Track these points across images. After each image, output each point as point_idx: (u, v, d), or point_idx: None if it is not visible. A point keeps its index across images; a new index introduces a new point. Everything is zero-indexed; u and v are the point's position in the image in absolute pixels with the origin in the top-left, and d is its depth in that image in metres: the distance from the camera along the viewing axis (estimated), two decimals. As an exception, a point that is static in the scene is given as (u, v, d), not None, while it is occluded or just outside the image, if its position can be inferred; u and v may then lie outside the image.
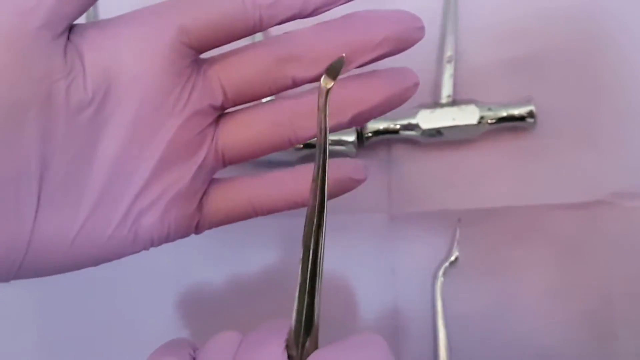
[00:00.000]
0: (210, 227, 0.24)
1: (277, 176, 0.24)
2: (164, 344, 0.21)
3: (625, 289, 0.30)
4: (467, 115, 0.29)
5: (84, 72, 0.19)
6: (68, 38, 0.20)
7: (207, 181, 0.23)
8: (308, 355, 0.19)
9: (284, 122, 0.23)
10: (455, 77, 0.30)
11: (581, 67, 0.30)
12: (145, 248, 0.22)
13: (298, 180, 0.23)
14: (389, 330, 0.31)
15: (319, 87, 0.19)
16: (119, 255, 0.21)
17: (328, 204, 0.20)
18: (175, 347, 0.21)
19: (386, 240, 0.31)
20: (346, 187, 0.24)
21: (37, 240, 0.19)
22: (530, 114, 0.29)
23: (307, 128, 0.23)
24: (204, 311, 0.31)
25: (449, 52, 0.30)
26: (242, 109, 0.23)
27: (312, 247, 0.20)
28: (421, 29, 0.22)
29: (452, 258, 0.30)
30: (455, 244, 0.30)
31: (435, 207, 0.31)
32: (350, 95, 0.22)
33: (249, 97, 0.23)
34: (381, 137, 0.30)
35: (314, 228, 0.20)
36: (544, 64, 0.30)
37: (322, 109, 0.19)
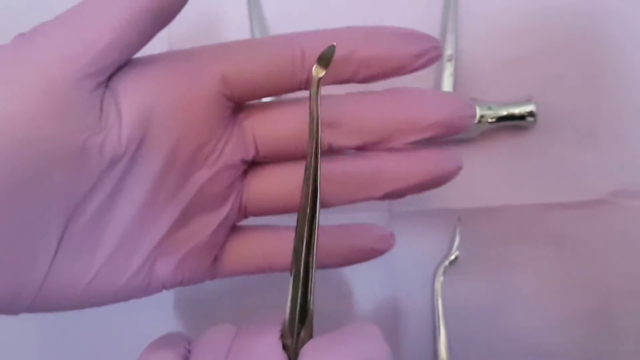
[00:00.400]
0: (224, 277, 0.23)
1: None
2: (159, 338, 0.21)
3: (625, 287, 0.30)
4: (467, 114, 0.29)
5: (119, 123, 0.18)
6: (107, 84, 0.19)
7: (227, 234, 0.23)
8: (303, 344, 0.19)
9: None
10: (456, 75, 0.30)
11: (581, 66, 0.30)
12: (156, 292, 0.22)
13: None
14: (389, 328, 0.31)
15: (311, 76, 0.20)
16: (127, 299, 0.21)
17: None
18: (170, 340, 0.21)
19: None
20: (366, 256, 0.23)
21: (48, 286, 0.19)
22: (531, 113, 0.29)
23: (337, 195, 0.22)
24: (201, 308, 0.31)
25: (449, 51, 0.30)
26: (271, 164, 0.22)
27: (305, 236, 0.20)
28: (473, 117, 0.22)
29: (453, 257, 0.30)
30: (456, 243, 0.30)
31: (435, 206, 0.31)
32: (387, 170, 0.21)
33: (281, 157, 0.22)
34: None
35: (307, 217, 0.20)
36: (544, 62, 0.30)
37: (314, 98, 0.19)
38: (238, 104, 0.21)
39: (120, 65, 0.19)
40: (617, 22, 0.30)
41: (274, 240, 0.23)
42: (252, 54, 0.20)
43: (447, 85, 0.30)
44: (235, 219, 0.22)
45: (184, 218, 0.21)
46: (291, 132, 0.21)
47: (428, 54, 0.21)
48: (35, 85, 0.17)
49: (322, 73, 0.19)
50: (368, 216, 0.31)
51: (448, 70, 0.30)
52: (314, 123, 0.20)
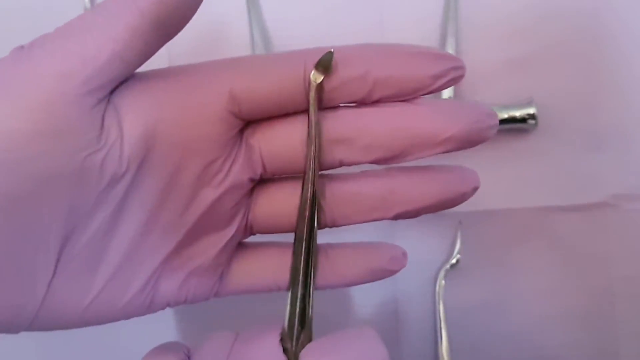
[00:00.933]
0: (230, 295, 0.22)
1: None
2: (158, 346, 0.21)
3: (626, 290, 0.30)
4: (468, 117, 0.29)
5: (121, 141, 0.18)
6: (109, 99, 0.18)
7: (233, 252, 0.22)
8: (303, 347, 0.19)
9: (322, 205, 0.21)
10: (456, 78, 0.30)
11: (582, 69, 0.30)
12: (159, 310, 0.21)
13: (329, 261, 0.22)
14: (390, 332, 0.31)
15: (309, 81, 0.19)
16: (129, 317, 0.20)
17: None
18: (170, 346, 0.20)
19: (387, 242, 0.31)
20: (376, 276, 0.22)
21: (48, 306, 0.18)
22: (532, 116, 0.29)
23: (347, 216, 0.21)
24: (200, 317, 0.31)
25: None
26: (278, 181, 0.22)
27: (305, 237, 0.20)
28: (494, 127, 0.20)
29: (454, 260, 0.30)
30: (457, 246, 0.30)
31: (436, 209, 0.31)
32: (399, 191, 0.20)
33: (288, 172, 0.21)
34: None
35: (306, 220, 0.20)
36: (545, 65, 0.30)
37: (313, 103, 0.19)
38: (246, 121, 0.20)
39: (122, 80, 0.18)
40: (619, 24, 0.30)
41: (281, 258, 0.22)
42: (261, 71, 0.19)
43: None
44: (241, 237, 0.22)
45: (189, 238, 0.20)
46: (298, 147, 0.20)
47: (448, 75, 0.20)
48: (33, 102, 0.16)
49: (320, 78, 0.19)
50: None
51: (448, 73, 0.30)
52: (312, 128, 0.20)
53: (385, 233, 0.31)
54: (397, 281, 0.31)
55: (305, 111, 0.20)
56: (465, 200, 0.21)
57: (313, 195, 0.20)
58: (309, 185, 0.20)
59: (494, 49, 0.30)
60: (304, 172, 0.20)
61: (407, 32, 0.31)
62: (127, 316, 0.20)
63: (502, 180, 0.30)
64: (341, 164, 0.21)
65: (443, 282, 0.30)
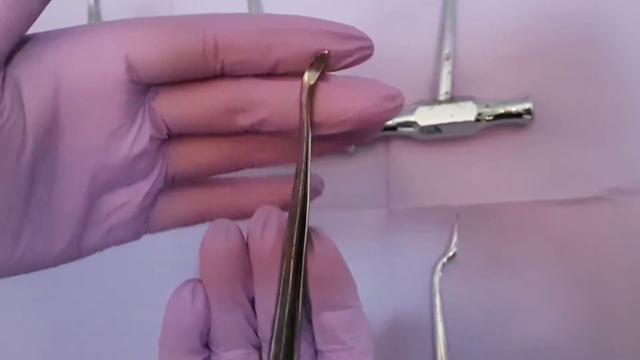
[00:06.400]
0: (157, 232, 0.23)
1: (228, 190, 0.23)
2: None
3: (623, 284, 0.30)
4: (465, 112, 0.30)
5: (23, 113, 0.18)
6: (5, 70, 0.18)
7: (154, 201, 0.23)
8: (292, 351, 0.20)
9: (240, 154, 0.22)
10: (453, 74, 0.30)
11: (578, 64, 0.30)
12: (89, 255, 0.22)
13: (249, 195, 0.23)
14: (388, 325, 0.31)
15: (301, 83, 0.19)
16: (59, 265, 0.21)
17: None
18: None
19: (385, 236, 0.31)
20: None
21: None
22: (528, 111, 0.29)
23: (264, 160, 0.22)
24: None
25: (447, 50, 0.31)
26: (190, 137, 0.22)
27: (295, 242, 0.19)
28: (394, 110, 0.20)
29: (450, 253, 0.30)
30: (454, 240, 0.31)
31: (433, 203, 0.31)
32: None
33: (196, 134, 0.21)
34: (379, 133, 0.31)
35: (297, 222, 0.20)
36: (541, 61, 0.30)
37: (305, 106, 0.19)
38: (149, 85, 0.20)
39: (14, 49, 0.18)
40: (614, 20, 0.30)
41: (206, 197, 0.23)
42: (158, 38, 0.19)
43: (445, 83, 0.30)
44: (162, 186, 0.22)
45: (107, 194, 0.21)
46: (201, 116, 0.20)
47: (354, 55, 0.20)
48: None
49: (313, 79, 0.19)
50: (367, 213, 0.32)
51: (446, 69, 0.30)
52: (304, 131, 0.19)
53: (382, 227, 0.31)
54: (395, 273, 0.31)
55: (209, 78, 0.20)
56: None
57: (304, 198, 0.20)
58: (300, 188, 0.20)
59: (491, 44, 0.31)
60: (295, 175, 0.20)
61: (405, 28, 0.31)
62: (57, 265, 0.21)
63: (498, 174, 0.31)
64: (246, 132, 0.21)
65: (440, 275, 0.30)
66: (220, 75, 0.20)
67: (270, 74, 0.20)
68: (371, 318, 0.31)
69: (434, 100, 0.30)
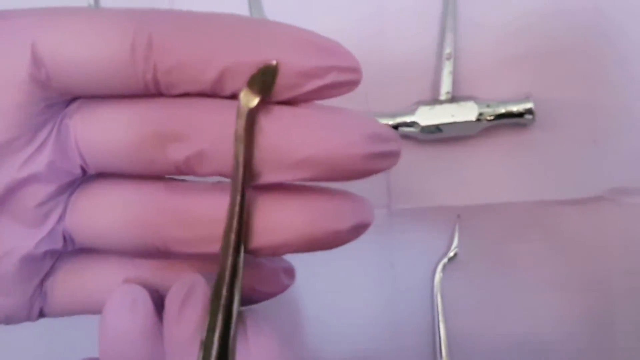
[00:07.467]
0: (56, 317, 0.18)
1: (157, 272, 0.17)
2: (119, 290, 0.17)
3: (625, 284, 0.30)
4: (466, 112, 0.29)
5: None
6: None
7: (50, 268, 0.17)
8: None
9: (152, 222, 0.16)
10: (455, 73, 0.30)
11: (580, 64, 0.30)
12: None
13: (176, 265, 0.17)
14: (388, 325, 0.31)
15: (237, 106, 0.14)
16: None
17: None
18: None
19: (385, 236, 0.31)
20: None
21: None
22: (529, 111, 0.29)
23: (183, 241, 0.16)
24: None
25: (448, 49, 0.30)
26: (107, 180, 0.17)
27: (227, 278, 0.15)
28: (389, 156, 0.15)
29: (451, 254, 0.30)
30: (455, 240, 0.31)
31: (434, 203, 0.31)
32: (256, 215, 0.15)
33: (116, 171, 0.16)
34: (380, 133, 0.31)
35: (218, 325, 0.15)
36: (542, 60, 0.30)
37: (240, 138, 0.14)
38: (63, 97, 0.16)
39: None
40: (615, 20, 0.30)
41: (125, 274, 0.17)
42: (77, 28, 0.14)
43: (446, 83, 0.30)
44: (59, 247, 0.17)
45: None
46: (125, 146, 0.15)
47: (327, 76, 0.14)
48: None
49: (254, 102, 0.14)
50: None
51: (447, 69, 0.30)
52: (238, 170, 0.14)
53: (383, 227, 0.31)
54: (395, 274, 0.31)
55: (139, 95, 0.15)
56: (342, 242, 0.15)
57: (230, 290, 0.15)
58: (227, 271, 0.15)
59: (492, 43, 0.31)
60: (227, 217, 0.15)
61: (406, 27, 0.31)
62: None
63: (499, 174, 0.31)
64: (177, 169, 0.16)
65: (441, 275, 0.30)
66: (154, 92, 0.15)
67: (217, 94, 0.15)
68: (371, 318, 0.31)
69: (434, 100, 0.30)
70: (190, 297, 0.15)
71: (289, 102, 0.15)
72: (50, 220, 0.16)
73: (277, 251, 0.15)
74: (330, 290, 0.31)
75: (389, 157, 0.15)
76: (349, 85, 0.15)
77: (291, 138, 0.14)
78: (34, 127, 0.15)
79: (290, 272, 0.19)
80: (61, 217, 0.17)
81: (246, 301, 0.17)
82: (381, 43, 0.31)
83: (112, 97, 0.16)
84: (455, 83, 0.30)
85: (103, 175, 0.17)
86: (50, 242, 0.17)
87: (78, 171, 0.16)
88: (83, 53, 0.14)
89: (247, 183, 0.15)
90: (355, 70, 0.15)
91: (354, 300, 0.31)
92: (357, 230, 0.15)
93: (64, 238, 0.17)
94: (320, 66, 0.14)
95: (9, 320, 0.17)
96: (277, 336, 0.15)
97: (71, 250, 0.18)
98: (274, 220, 0.15)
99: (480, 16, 0.31)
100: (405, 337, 0.31)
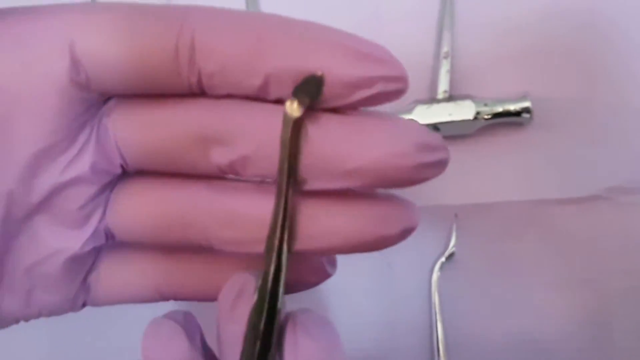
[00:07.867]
0: (102, 306, 0.18)
1: (195, 258, 0.17)
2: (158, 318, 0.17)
3: (622, 283, 0.30)
4: (464, 111, 0.29)
5: None
6: None
7: (93, 262, 0.18)
8: None
9: (195, 221, 0.16)
10: (452, 72, 0.30)
11: (577, 63, 0.30)
12: (12, 325, 0.17)
13: (222, 264, 0.17)
14: (386, 324, 0.31)
15: (284, 114, 0.14)
16: None
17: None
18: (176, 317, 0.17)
19: (383, 235, 0.31)
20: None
21: None
22: (526, 110, 0.29)
23: (229, 240, 0.16)
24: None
25: (445, 48, 0.30)
26: (143, 178, 0.17)
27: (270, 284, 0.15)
28: (437, 165, 0.14)
29: (449, 253, 0.30)
30: (452, 239, 0.31)
31: (431, 202, 0.31)
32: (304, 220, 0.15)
33: (155, 170, 0.16)
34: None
35: (262, 327, 0.15)
36: (540, 59, 0.30)
37: (286, 146, 0.14)
38: (103, 96, 0.15)
39: None
40: (613, 19, 0.30)
41: (169, 267, 0.17)
42: (117, 27, 0.14)
43: (443, 82, 0.30)
44: (102, 242, 0.17)
45: (23, 235, 0.16)
46: (166, 143, 0.15)
47: (373, 86, 0.14)
48: None
49: (300, 111, 0.14)
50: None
51: (444, 67, 0.30)
52: (283, 176, 0.14)
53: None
54: (393, 273, 0.31)
55: (182, 95, 0.15)
56: (390, 246, 0.16)
57: (274, 293, 0.15)
58: (270, 275, 0.15)
59: (490, 42, 0.31)
60: (266, 248, 0.15)
61: (403, 26, 0.31)
62: None
63: (497, 173, 0.31)
64: (220, 171, 0.16)
65: (438, 274, 0.30)
66: (197, 92, 0.15)
67: (262, 98, 0.15)
68: (369, 317, 0.31)
69: (432, 99, 0.30)
70: (242, 295, 0.15)
71: (335, 109, 0.14)
72: (93, 220, 0.16)
73: (323, 254, 0.16)
74: (328, 291, 0.31)
75: (438, 166, 0.14)
76: (396, 94, 0.14)
77: (339, 148, 0.14)
78: (74, 130, 0.15)
79: (333, 261, 0.18)
80: (103, 216, 0.17)
81: (291, 290, 0.17)
82: (379, 42, 0.31)
83: (153, 96, 0.15)
84: (452, 82, 0.30)
85: (142, 173, 0.17)
86: (94, 240, 0.17)
87: (118, 170, 0.16)
88: (124, 55, 0.14)
89: (293, 189, 0.15)
90: (403, 79, 0.14)
91: (352, 300, 0.31)
92: (405, 234, 0.15)
93: (105, 234, 0.17)
94: (367, 76, 0.14)
95: (52, 314, 0.17)
96: (327, 340, 0.15)
97: (111, 244, 0.18)
98: (320, 225, 0.15)
99: (478, 15, 0.31)
100: (403, 336, 0.31)
